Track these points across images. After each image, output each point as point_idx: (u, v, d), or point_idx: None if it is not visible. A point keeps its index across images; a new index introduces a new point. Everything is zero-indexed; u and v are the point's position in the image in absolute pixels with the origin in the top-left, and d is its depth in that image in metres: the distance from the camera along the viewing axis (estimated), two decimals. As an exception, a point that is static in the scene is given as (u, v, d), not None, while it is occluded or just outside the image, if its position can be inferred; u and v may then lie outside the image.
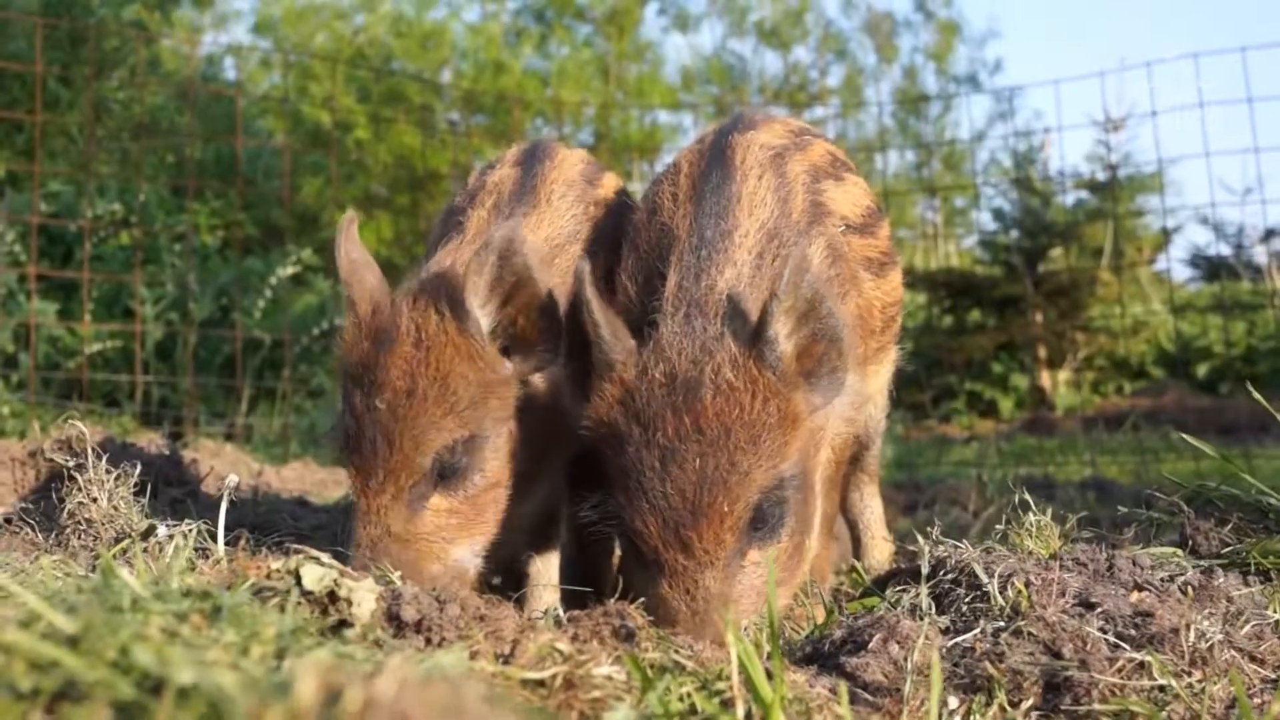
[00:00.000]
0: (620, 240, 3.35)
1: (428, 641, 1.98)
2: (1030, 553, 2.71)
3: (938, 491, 6.90)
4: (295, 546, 2.29)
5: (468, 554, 2.96)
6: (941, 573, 2.55)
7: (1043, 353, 14.61)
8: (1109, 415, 12.79)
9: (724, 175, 3.10)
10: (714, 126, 3.48)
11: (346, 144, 18.05)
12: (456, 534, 2.95)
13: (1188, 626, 2.25)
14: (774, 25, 32.05)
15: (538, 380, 3.08)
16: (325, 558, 2.08)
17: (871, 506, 4.10)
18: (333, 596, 1.97)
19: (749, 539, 2.64)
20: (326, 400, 10.72)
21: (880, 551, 4.04)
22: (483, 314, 2.96)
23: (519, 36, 27.10)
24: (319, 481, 6.60)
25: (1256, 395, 3.39)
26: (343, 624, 1.94)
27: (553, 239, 3.32)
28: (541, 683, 1.81)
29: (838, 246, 3.20)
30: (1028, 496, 3.04)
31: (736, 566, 2.62)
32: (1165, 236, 15.45)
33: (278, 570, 2.00)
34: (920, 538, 2.70)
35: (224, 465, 6.19)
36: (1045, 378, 14.59)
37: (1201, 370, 14.81)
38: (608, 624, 2.03)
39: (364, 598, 1.99)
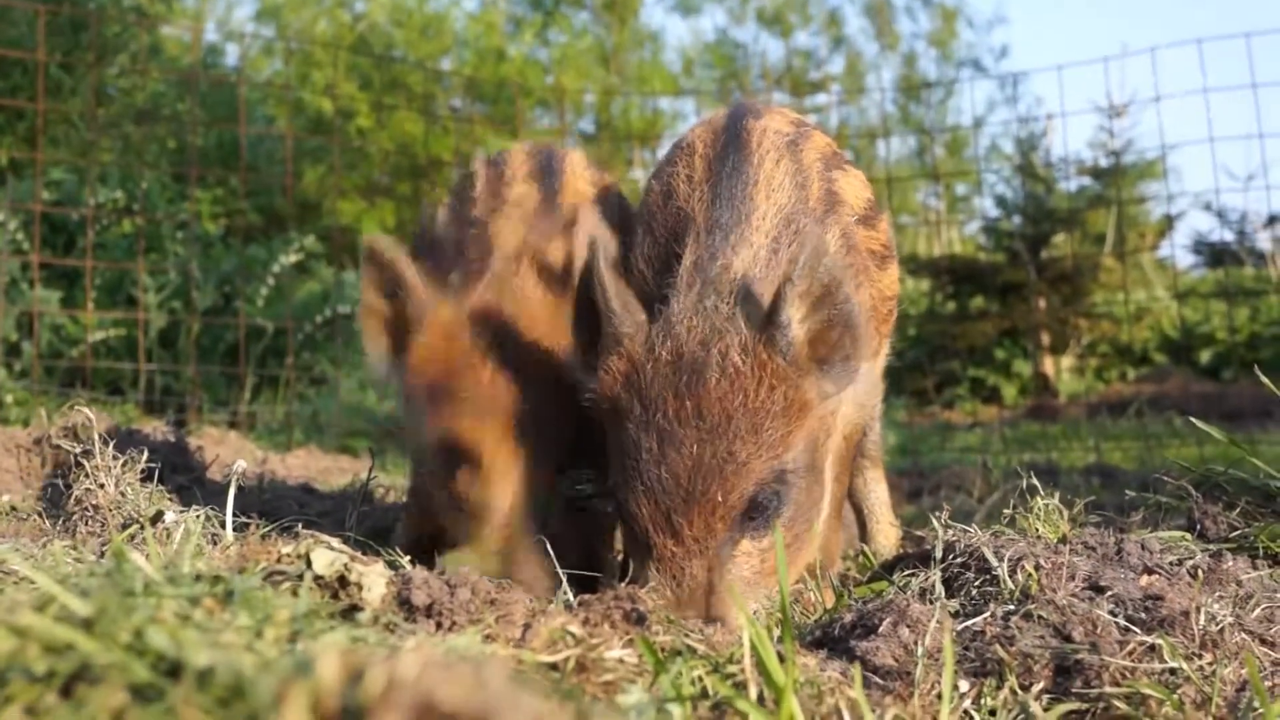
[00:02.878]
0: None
1: (438, 626, 1.98)
2: (1039, 536, 2.71)
3: (942, 478, 6.89)
4: (305, 531, 2.29)
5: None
6: (950, 557, 2.55)
7: (1046, 339, 14.59)
8: (1112, 401, 12.78)
9: (741, 158, 3.06)
10: (723, 110, 3.45)
11: (348, 131, 18.03)
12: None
13: (1198, 609, 2.24)
14: (776, 11, 31.98)
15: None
16: (335, 542, 2.08)
17: (876, 491, 4.09)
18: (343, 581, 1.96)
19: (742, 529, 2.59)
20: (329, 388, 10.71)
21: (887, 536, 4.03)
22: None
23: (519, 24, 27.07)
24: (323, 469, 6.61)
25: (1264, 379, 3.39)
26: (353, 608, 1.94)
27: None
28: (554, 666, 1.81)
29: (851, 236, 3.18)
30: (1035, 481, 3.03)
31: (726, 556, 2.59)
32: (1168, 223, 15.45)
33: (288, 555, 2.00)
34: (933, 520, 2.70)
35: (228, 453, 6.19)
36: (1048, 364, 14.58)
37: (1204, 356, 14.81)
38: (619, 608, 2.02)
39: (374, 582, 1.99)
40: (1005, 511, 3.00)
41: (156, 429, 5.35)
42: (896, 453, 8.97)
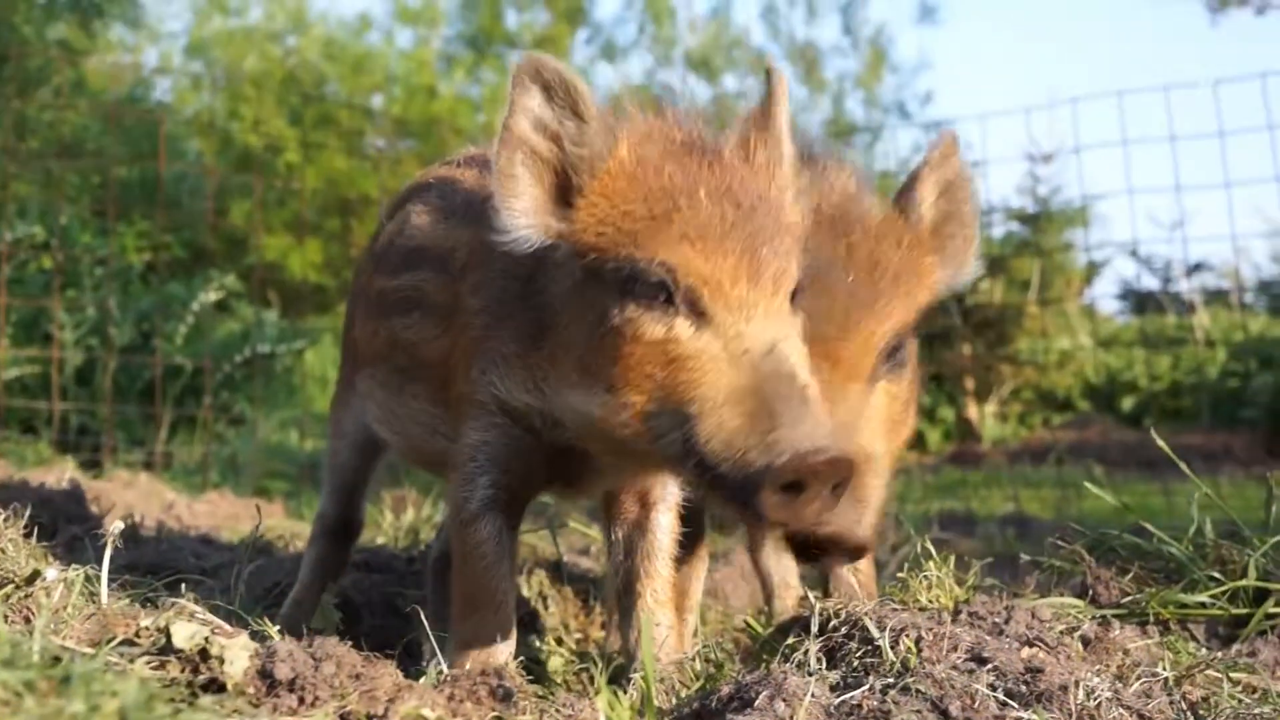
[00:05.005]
0: None
1: (301, 701, 1.94)
2: (925, 606, 2.69)
3: (858, 526, 6.86)
4: (171, 600, 2.24)
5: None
6: (834, 625, 2.53)
7: (970, 385, 14.66)
8: (1035, 448, 12.85)
9: None
10: None
11: (276, 167, 17.91)
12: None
13: (1077, 684, 2.23)
14: (702, 55, 32.08)
15: None
16: (202, 612, 2.04)
17: (784, 555, 4.07)
18: (204, 654, 1.92)
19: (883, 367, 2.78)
20: (247, 428, 10.61)
21: (787, 599, 4.01)
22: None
23: (451, 63, 27.06)
24: (232, 515, 6.49)
25: (1159, 441, 3.41)
26: (214, 682, 1.89)
27: None
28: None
29: None
30: (942, 536, 3.02)
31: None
32: (1091, 270, 15.58)
33: (147, 628, 1.96)
34: (808, 593, 2.68)
35: (137, 497, 6.10)
36: (972, 410, 14.64)
37: (1126, 404, 14.92)
38: (485, 684, 1.99)
39: (237, 655, 1.94)
40: (900, 575, 2.99)
41: (60, 473, 5.27)
42: (816, 499, 8.95)
